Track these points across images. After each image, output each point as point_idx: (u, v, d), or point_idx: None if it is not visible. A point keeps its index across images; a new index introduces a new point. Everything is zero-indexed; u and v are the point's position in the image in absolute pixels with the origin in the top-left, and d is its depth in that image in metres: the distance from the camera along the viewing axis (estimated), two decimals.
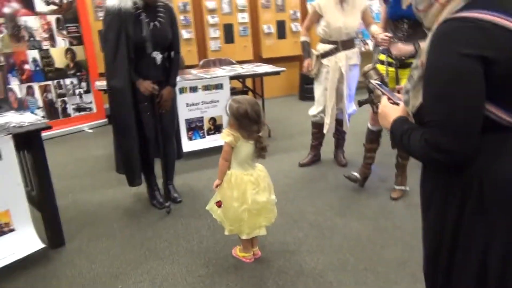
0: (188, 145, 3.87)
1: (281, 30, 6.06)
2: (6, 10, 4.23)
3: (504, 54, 0.92)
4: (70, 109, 4.80)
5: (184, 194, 3.09)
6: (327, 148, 3.68)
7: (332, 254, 2.31)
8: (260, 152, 2.08)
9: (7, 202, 2.17)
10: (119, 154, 2.78)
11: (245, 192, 2.06)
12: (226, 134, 2.07)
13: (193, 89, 3.79)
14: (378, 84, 1.44)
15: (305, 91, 6.01)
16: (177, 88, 3.62)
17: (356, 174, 3.05)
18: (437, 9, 1.02)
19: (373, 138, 2.97)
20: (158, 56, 2.64)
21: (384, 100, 1.23)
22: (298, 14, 6.06)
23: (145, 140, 2.74)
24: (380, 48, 2.81)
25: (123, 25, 2.47)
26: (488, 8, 0.93)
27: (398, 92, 1.33)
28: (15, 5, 4.27)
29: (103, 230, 2.65)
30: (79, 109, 4.86)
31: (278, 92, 6.27)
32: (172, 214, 2.82)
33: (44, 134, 4.66)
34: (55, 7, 4.51)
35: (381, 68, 2.72)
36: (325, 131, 3.42)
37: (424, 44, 1.04)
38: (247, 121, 1.99)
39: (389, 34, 2.70)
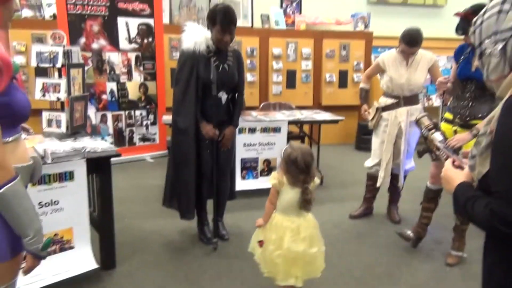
0: (240, 184, 3.95)
1: (342, 79, 6.14)
2: (95, 46, 4.73)
3: None
4: (136, 138, 5.14)
5: (232, 232, 3.13)
6: (381, 202, 3.58)
7: None
8: (304, 204, 2.06)
9: (72, 221, 2.35)
10: (172, 187, 2.89)
11: (283, 238, 2.05)
12: (272, 177, 2.12)
13: (252, 130, 3.92)
14: (444, 146, 1.43)
15: (362, 141, 5.94)
16: (236, 129, 3.82)
17: (409, 232, 2.93)
18: (510, 80, 1.02)
19: (431, 197, 2.86)
20: (223, 96, 2.81)
21: (447, 164, 1.22)
22: (361, 65, 6.12)
23: (201, 176, 2.86)
24: (446, 105, 2.78)
25: (195, 66, 2.68)
26: None
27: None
28: (103, 42, 4.77)
29: (152, 259, 2.75)
30: (144, 139, 5.19)
31: (335, 139, 6.26)
32: (218, 252, 2.86)
33: (112, 160, 4.99)
34: (136, 46, 4.96)
35: (447, 127, 2.66)
36: (378, 184, 3.35)
37: (495, 112, 1.04)
38: (294, 168, 2.02)
39: (447, 77, 2.69)
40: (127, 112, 5.03)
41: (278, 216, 2.12)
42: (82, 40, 4.65)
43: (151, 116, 5.20)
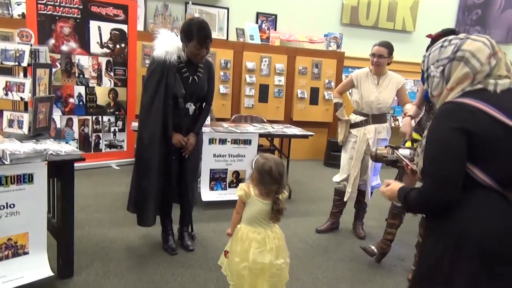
0: (208, 194, 3.91)
1: (314, 96, 6.25)
2: (64, 48, 4.60)
3: (481, 129, 1.24)
4: (102, 144, 5.00)
5: (197, 243, 3.07)
6: (347, 218, 3.62)
7: None
8: (276, 214, 2.05)
9: (28, 225, 2.23)
10: (134, 192, 2.82)
11: (248, 250, 2.02)
12: (239, 189, 2.10)
13: (222, 141, 3.90)
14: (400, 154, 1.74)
15: (331, 158, 6.03)
16: (207, 139, 3.79)
17: (373, 247, 2.97)
18: (445, 94, 1.35)
19: (396, 214, 2.92)
20: (191, 107, 2.79)
21: (388, 182, 1.57)
22: (333, 84, 6.26)
23: (167, 182, 2.80)
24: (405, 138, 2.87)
25: (165, 75, 2.64)
26: (476, 98, 1.27)
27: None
28: (73, 45, 4.65)
29: (112, 268, 2.64)
30: (110, 145, 5.05)
31: (304, 155, 6.33)
32: (182, 262, 2.79)
33: (75, 165, 4.82)
34: (108, 51, 4.87)
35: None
36: (345, 199, 3.39)
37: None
38: (269, 179, 2.01)
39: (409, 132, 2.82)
40: (94, 117, 4.90)
41: (243, 228, 2.08)
42: (51, 41, 4.52)
43: (120, 123, 5.08)
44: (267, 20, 6.21)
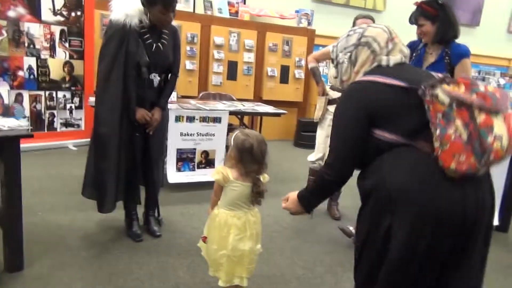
0: (175, 176, 3.66)
1: (284, 74, 6.06)
2: (11, 14, 4.12)
3: (381, 98, 1.37)
4: (57, 123, 4.59)
5: (164, 228, 2.84)
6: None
7: None
8: (257, 197, 1.88)
9: None
10: (91, 175, 2.52)
11: (227, 236, 1.84)
12: (216, 172, 1.88)
13: (190, 119, 3.64)
14: None
15: (301, 138, 5.91)
16: (173, 116, 3.52)
17: (351, 228, 2.86)
18: (353, 78, 1.48)
19: None
20: (155, 78, 2.51)
21: (286, 197, 1.63)
22: (303, 62, 6.08)
23: (130, 162, 2.53)
24: None
25: (125, 42, 2.34)
26: (373, 74, 1.42)
27: None
28: (21, 10, 4.17)
29: (69, 259, 2.37)
30: (66, 124, 4.65)
31: (274, 135, 6.15)
32: (148, 249, 2.56)
33: (24, 145, 4.41)
34: (62, 19, 4.41)
35: None
36: None
37: None
38: (249, 158, 1.81)
39: None
40: (47, 93, 4.46)
41: (222, 213, 1.88)
42: None
43: (76, 99, 4.67)
44: None
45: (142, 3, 2.35)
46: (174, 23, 2.54)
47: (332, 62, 1.60)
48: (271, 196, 3.75)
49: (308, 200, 1.56)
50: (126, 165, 2.51)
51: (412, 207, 1.27)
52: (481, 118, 1.22)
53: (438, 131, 1.26)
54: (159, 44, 2.47)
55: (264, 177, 1.91)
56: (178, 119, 3.57)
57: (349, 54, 1.48)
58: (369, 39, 1.45)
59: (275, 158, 5.11)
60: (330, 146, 1.47)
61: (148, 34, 2.42)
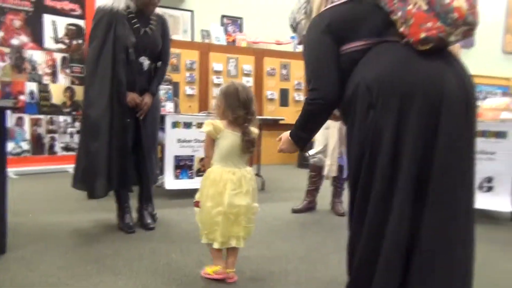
0: (173, 183, 3.56)
1: (284, 97, 6.11)
2: (14, 41, 4.29)
3: (338, 14, 1.39)
4: (58, 146, 4.59)
5: (159, 223, 2.71)
6: (324, 200, 3.35)
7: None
8: (247, 145, 1.81)
9: None
10: (82, 161, 2.45)
11: (223, 192, 1.76)
12: (206, 125, 1.84)
13: (187, 125, 3.61)
14: None
15: (305, 159, 5.80)
16: (170, 122, 3.50)
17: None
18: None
19: None
20: (145, 61, 2.51)
21: (279, 137, 1.61)
22: (302, 85, 6.16)
23: (122, 147, 2.46)
24: None
25: (113, 25, 2.38)
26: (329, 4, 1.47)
27: None
28: (24, 39, 4.35)
29: (54, 246, 2.23)
30: (67, 148, 4.65)
31: (276, 159, 6.07)
32: (140, 239, 2.42)
33: (25, 168, 4.39)
34: (63, 46, 4.58)
35: None
36: (325, 172, 3.14)
37: None
38: (236, 102, 1.79)
39: None
40: (48, 117, 4.52)
41: (216, 169, 1.82)
42: (0, 34, 4.20)
43: (77, 124, 4.71)
44: (233, 23, 6.14)
45: None
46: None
47: (292, 28, 1.70)
48: (272, 201, 3.63)
49: (298, 135, 1.52)
50: (118, 149, 2.44)
51: (393, 90, 1.24)
52: None
53: (399, 13, 1.27)
54: (147, 29, 2.51)
55: (254, 131, 1.85)
56: (175, 125, 3.55)
57: (304, 10, 1.58)
58: None
59: (279, 178, 4.99)
60: (307, 78, 1.45)
61: (136, 19, 2.46)
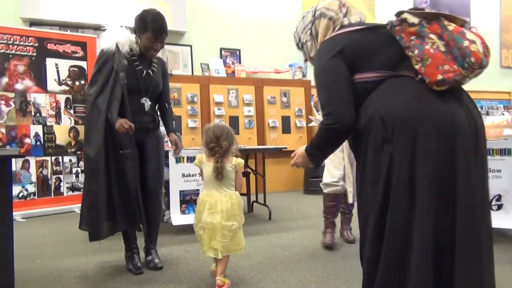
0: (180, 219, 3.54)
1: (286, 124, 6.14)
2: (18, 86, 4.38)
3: (350, 43, 1.40)
4: (63, 187, 4.61)
5: (167, 262, 2.68)
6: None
7: None
8: (215, 172, 2.21)
9: None
10: (85, 202, 2.46)
11: (202, 211, 2.23)
12: (195, 160, 2.37)
13: (191, 159, 3.62)
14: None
15: (311, 185, 5.77)
16: (173, 158, 3.51)
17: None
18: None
19: None
20: (146, 102, 2.56)
21: (293, 154, 1.64)
22: (303, 111, 6.21)
23: (122, 185, 2.46)
24: None
25: (114, 70, 2.41)
26: (338, 31, 1.47)
27: None
28: (28, 83, 4.44)
29: None
30: (73, 188, 4.66)
31: (282, 187, 6.06)
32: (149, 279, 2.39)
33: (31, 210, 4.38)
34: (66, 88, 4.67)
35: None
36: (350, 200, 3.03)
37: None
38: (207, 138, 2.27)
39: None
40: (53, 158, 4.56)
41: (201, 194, 2.33)
42: (4, 80, 4.30)
43: (82, 163, 4.74)
44: (231, 54, 6.26)
45: (134, 30, 2.49)
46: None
47: (298, 47, 1.68)
48: (280, 231, 3.59)
49: (313, 153, 1.52)
50: (118, 186, 2.43)
51: (408, 125, 1.25)
52: (451, 26, 1.26)
53: (416, 51, 1.28)
54: (149, 71, 2.56)
55: (238, 162, 2.31)
56: (178, 160, 3.57)
57: (309, 31, 1.55)
58: (322, 10, 1.53)
59: (285, 205, 4.96)
60: (321, 103, 1.44)
61: (138, 61, 2.52)
